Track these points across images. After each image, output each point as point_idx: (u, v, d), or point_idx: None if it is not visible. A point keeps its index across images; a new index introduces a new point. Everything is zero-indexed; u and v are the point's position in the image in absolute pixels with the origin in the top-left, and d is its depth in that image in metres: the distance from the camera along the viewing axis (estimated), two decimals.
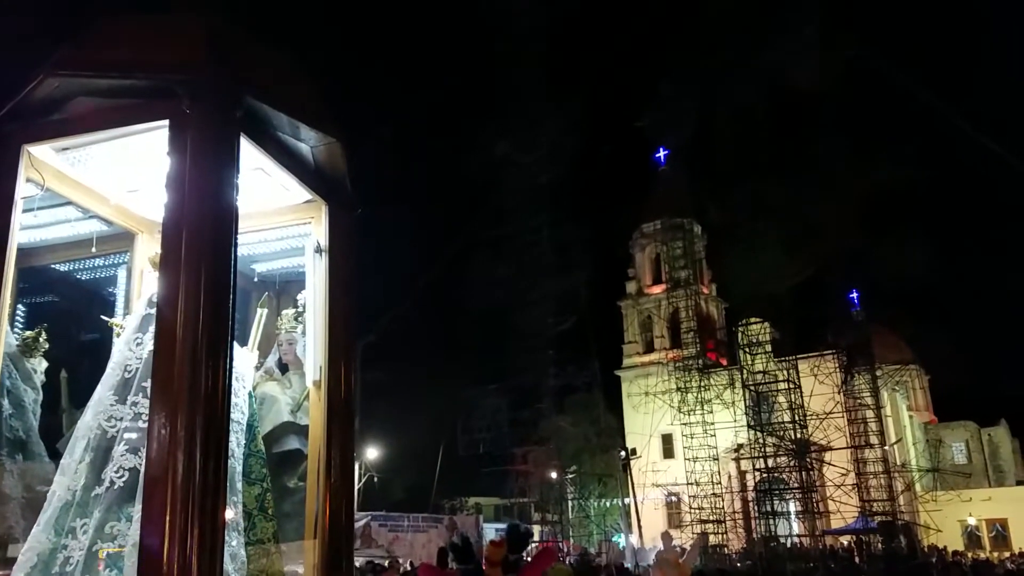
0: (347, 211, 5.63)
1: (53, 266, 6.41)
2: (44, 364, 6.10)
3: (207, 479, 3.80)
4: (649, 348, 68.95)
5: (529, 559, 8.05)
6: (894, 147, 45.52)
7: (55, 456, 5.47)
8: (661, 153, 70.44)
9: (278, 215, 5.78)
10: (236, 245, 4.26)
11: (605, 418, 59.54)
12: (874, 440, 49.00)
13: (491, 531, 54.73)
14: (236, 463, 5.20)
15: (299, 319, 6.14)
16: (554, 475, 51.75)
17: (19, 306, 6.35)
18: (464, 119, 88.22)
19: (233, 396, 5.27)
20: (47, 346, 6.08)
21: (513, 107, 49.28)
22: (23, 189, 4.77)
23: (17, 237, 4.81)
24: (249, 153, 4.73)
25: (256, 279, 6.63)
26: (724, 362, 61.27)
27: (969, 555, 46.39)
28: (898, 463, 56.78)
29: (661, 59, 59.93)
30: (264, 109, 4.71)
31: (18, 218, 4.75)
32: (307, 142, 5.17)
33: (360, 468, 49.17)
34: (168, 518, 3.69)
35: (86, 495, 4.71)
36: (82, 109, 4.57)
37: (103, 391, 4.99)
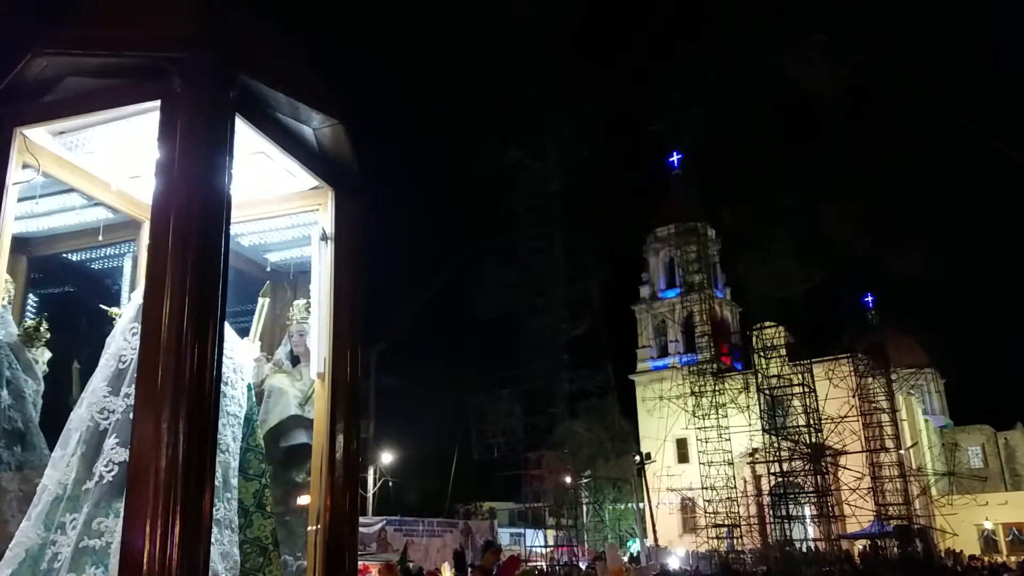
0: (354, 198, 5.49)
1: (64, 255, 6.41)
2: (47, 355, 6.01)
3: (191, 472, 3.66)
4: (663, 352, 68.89)
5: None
6: (910, 151, 45.04)
7: None
8: (674, 157, 70.30)
9: (286, 202, 5.66)
10: (228, 231, 4.11)
11: (619, 423, 59.32)
12: (889, 444, 48.71)
13: (506, 535, 54.79)
14: (232, 458, 5.06)
15: (310, 310, 6.03)
16: (568, 480, 51.54)
17: (31, 296, 6.30)
18: (476, 124, 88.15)
19: (231, 388, 5.16)
20: (48, 336, 5.98)
21: (525, 111, 49.13)
22: (18, 174, 4.64)
23: (11, 223, 4.70)
24: (249, 136, 4.59)
25: (269, 268, 6.53)
26: (738, 365, 61.14)
27: (986, 559, 46.08)
28: (914, 467, 56.46)
29: (674, 63, 59.68)
30: (261, 88, 4.57)
31: (12, 203, 4.62)
32: (309, 124, 5.03)
33: (375, 473, 49.15)
34: (150, 513, 3.56)
35: (77, 489, 4.57)
36: (73, 90, 4.43)
37: (97, 382, 4.85)
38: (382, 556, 31.94)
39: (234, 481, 5.03)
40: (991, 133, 40.43)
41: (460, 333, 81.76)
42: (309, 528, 5.02)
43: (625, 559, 42.80)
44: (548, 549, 47.72)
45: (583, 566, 37.98)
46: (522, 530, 57.71)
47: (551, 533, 49.31)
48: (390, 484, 53.72)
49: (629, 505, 59.79)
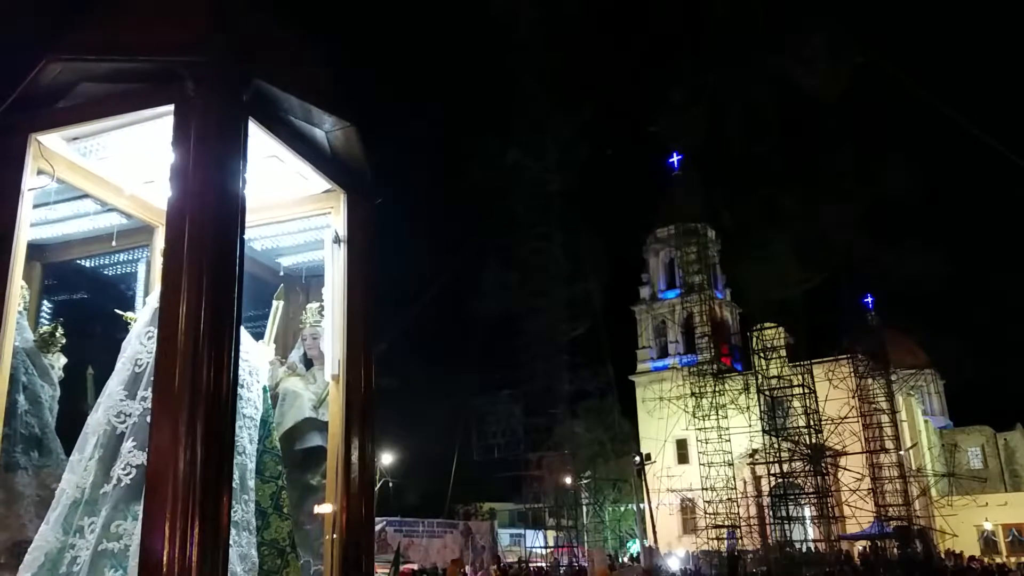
0: (366, 200, 5.50)
1: (78, 260, 6.42)
2: (63, 360, 6.02)
3: (209, 475, 3.67)
4: (663, 353, 68.86)
5: None
6: (910, 151, 45.03)
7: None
8: (675, 158, 70.24)
9: (298, 205, 5.66)
10: (243, 235, 4.12)
11: (619, 423, 59.30)
12: (889, 445, 48.60)
13: (506, 536, 54.74)
14: (248, 460, 5.07)
15: (323, 313, 6.03)
16: (568, 480, 51.48)
17: (45, 301, 6.31)
18: (475, 124, 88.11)
19: (246, 391, 5.16)
20: (63, 341, 5.98)
21: (525, 111, 49.05)
22: (34, 180, 4.65)
23: (27, 229, 4.69)
24: (261, 139, 4.59)
25: (282, 272, 6.54)
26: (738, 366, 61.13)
27: (986, 560, 46.08)
28: (913, 468, 56.37)
29: (674, 63, 59.62)
30: (274, 92, 4.57)
31: (27, 209, 4.62)
32: (321, 127, 5.03)
33: (375, 473, 49.05)
34: (169, 516, 3.57)
35: (95, 493, 4.57)
36: (87, 95, 4.44)
37: (114, 386, 4.86)
38: (382, 557, 31.97)
39: (251, 483, 5.03)
40: (991, 133, 40.35)
41: (460, 333, 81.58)
42: (325, 529, 5.04)
43: (625, 559, 42.78)
44: (548, 550, 47.70)
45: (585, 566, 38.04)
46: (522, 531, 57.71)
47: (551, 534, 49.27)
48: (390, 484, 53.74)
49: (629, 506, 59.74)
